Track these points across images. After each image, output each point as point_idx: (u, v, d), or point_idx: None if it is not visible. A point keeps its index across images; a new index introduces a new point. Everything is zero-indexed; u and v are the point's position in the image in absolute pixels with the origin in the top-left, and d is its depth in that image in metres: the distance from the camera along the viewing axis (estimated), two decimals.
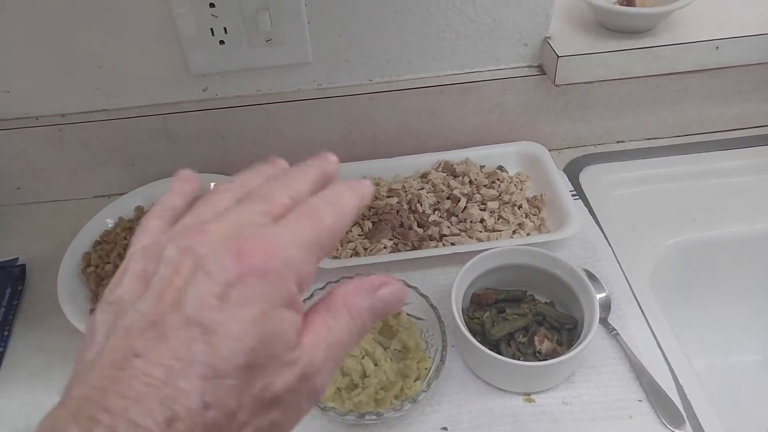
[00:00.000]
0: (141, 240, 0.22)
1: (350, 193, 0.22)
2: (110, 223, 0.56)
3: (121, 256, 0.52)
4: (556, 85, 0.56)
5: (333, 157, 0.24)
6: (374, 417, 0.39)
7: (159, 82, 0.57)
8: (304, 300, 0.43)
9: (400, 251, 0.52)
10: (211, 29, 0.52)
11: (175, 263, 0.18)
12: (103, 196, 0.62)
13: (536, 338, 0.44)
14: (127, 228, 0.55)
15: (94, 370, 0.17)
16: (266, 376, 0.17)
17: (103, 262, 0.52)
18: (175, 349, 0.17)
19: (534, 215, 0.54)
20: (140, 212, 0.57)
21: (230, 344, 0.17)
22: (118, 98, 0.57)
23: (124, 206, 0.57)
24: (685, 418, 0.41)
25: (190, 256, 0.18)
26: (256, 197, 0.21)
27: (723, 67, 0.56)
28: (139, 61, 0.54)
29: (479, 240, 0.52)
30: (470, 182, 0.57)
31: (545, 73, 0.58)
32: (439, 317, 0.44)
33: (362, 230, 0.54)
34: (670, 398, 0.42)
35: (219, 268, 0.18)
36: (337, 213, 0.21)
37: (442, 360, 0.41)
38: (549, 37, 0.56)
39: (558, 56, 0.53)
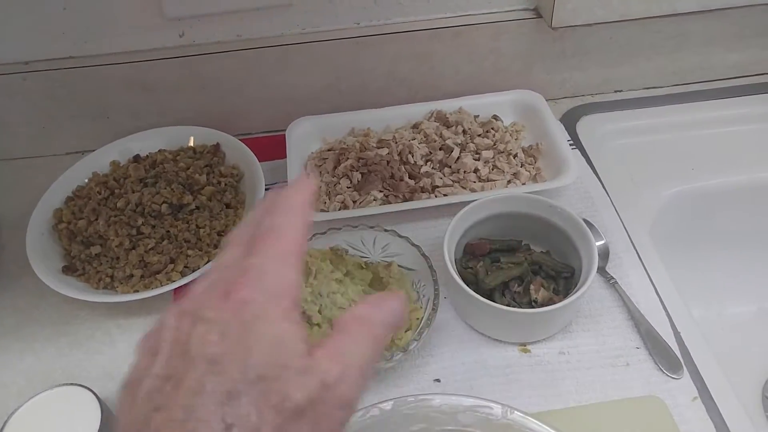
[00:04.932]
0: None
1: (294, 196, 0.23)
2: (83, 178, 0.51)
3: (95, 211, 0.48)
4: (553, 28, 0.52)
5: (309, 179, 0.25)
6: None
7: (131, 27, 0.52)
8: None
9: (390, 203, 0.49)
10: None
11: (174, 325, 0.19)
12: (77, 152, 0.58)
13: (532, 287, 0.41)
14: (102, 183, 0.51)
15: None
16: (281, 386, 0.18)
17: (76, 218, 0.48)
18: (190, 389, 0.18)
19: (530, 164, 0.51)
20: (115, 167, 0.53)
21: (237, 366, 0.18)
22: (86, 44, 0.52)
23: (99, 161, 0.53)
24: (682, 363, 0.39)
25: (185, 315, 0.19)
26: (230, 244, 0.22)
27: (727, 8, 0.52)
28: (108, 1, 0.49)
29: (473, 191, 0.49)
30: (464, 132, 0.53)
31: (541, 17, 0.54)
32: (431, 266, 0.41)
33: (351, 182, 0.50)
34: (667, 345, 0.40)
35: (214, 310, 0.19)
36: (293, 217, 0.22)
37: (434, 309, 0.39)
38: None
39: None
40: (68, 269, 0.45)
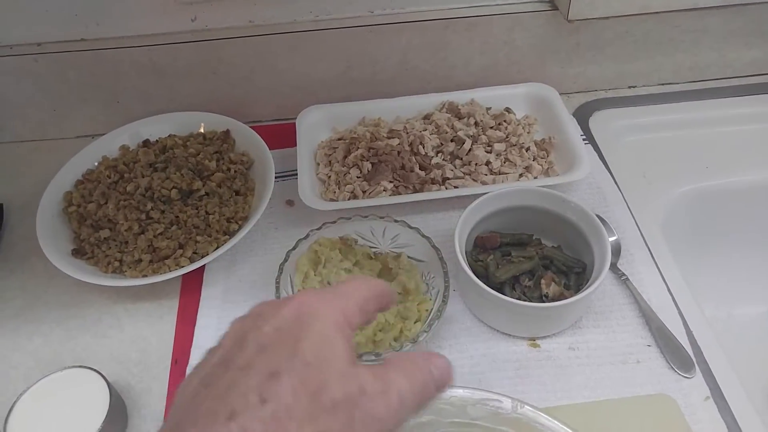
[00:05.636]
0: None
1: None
2: (93, 161, 0.51)
3: (104, 195, 0.48)
4: (569, 21, 0.51)
5: None
6: (372, 358, 0.36)
7: (143, 10, 0.51)
8: None
9: (400, 194, 0.48)
10: None
11: (236, 328, 0.21)
12: (87, 136, 0.57)
13: (543, 281, 0.40)
14: (112, 166, 0.50)
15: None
16: (323, 377, 0.18)
17: (85, 201, 0.47)
18: (237, 367, 0.19)
19: (542, 158, 0.50)
20: (125, 151, 0.52)
21: (286, 350, 0.19)
22: (98, 27, 0.51)
23: (109, 145, 0.52)
24: (694, 362, 0.38)
25: (246, 318, 0.21)
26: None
27: (746, 3, 0.51)
28: None
29: (484, 183, 0.48)
30: (476, 124, 0.52)
31: (557, 9, 0.52)
32: (441, 258, 0.40)
33: (361, 172, 0.49)
34: (679, 343, 0.39)
35: (274, 310, 0.20)
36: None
37: (444, 301, 0.38)
38: None
39: None
40: (77, 252, 0.45)
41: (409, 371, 0.20)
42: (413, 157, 0.50)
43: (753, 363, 0.45)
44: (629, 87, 0.59)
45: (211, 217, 0.46)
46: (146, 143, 0.52)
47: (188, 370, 0.39)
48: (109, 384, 0.36)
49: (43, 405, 0.35)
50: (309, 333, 0.19)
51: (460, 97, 0.54)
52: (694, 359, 0.38)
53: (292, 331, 0.19)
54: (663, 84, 0.59)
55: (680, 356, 0.39)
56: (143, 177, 0.48)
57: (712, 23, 0.54)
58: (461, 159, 0.50)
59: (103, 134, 0.52)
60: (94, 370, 0.36)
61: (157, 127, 0.53)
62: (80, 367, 0.37)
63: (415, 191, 0.48)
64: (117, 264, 0.44)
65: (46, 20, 0.50)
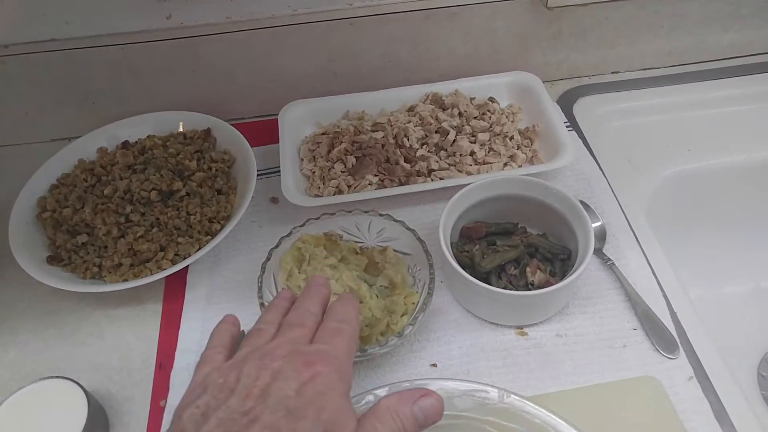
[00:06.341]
0: (206, 367, 0.27)
1: (348, 306, 0.29)
2: (69, 165, 0.50)
3: (81, 199, 0.47)
4: (549, 8, 0.51)
5: (322, 279, 0.32)
6: (359, 354, 0.36)
7: (115, 8, 0.50)
8: None
9: (386, 187, 0.48)
10: None
11: (254, 375, 0.24)
12: (62, 139, 0.56)
13: (528, 269, 0.41)
14: (88, 170, 0.49)
15: None
16: None
17: (61, 206, 0.47)
18: (266, 424, 0.22)
19: (526, 147, 0.51)
20: (103, 153, 0.51)
21: (311, 418, 0.23)
22: (68, 26, 0.50)
23: (85, 148, 0.51)
24: (678, 344, 0.39)
25: (266, 369, 0.24)
26: (293, 326, 0.28)
27: None
28: None
29: (469, 174, 0.48)
30: (459, 114, 0.52)
31: None
32: (426, 250, 0.40)
33: (345, 166, 0.49)
34: (664, 325, 0.40)
35: (294, 372, 0.24)
36: (351, 325, 0.28)
37: (429, 293, 0.38)
38: None
39: None
40: (53, 259, 0.44)
41: (392, 425, 0.25)
42: (398, 150, 0.50)
43: (739, 341, 0.46)
44: (612, 73, 0.60)
45: (192, 217, 0.45)
46: (125, 145, 0.52)
47: (172, 375, 0.39)
48: (87, 393, 0.35)
49: (18, 418, 0.34)
50: (329, 403, 0.23)
51: (443, 87, 0.55)
52: (678, 340, 0.39)
53: (315, 400, 0.23)
54: (645, 69, 0.60)
55: (664, 338, 0.39)
56: (121, 179, 0.48)
57: (689, 8, 0.55)
58: (446, 150, 0.50)
59: (79, 137, 0.52)
60: (71, 380, 0.36)
61: (135, 128, 0.53)
62: (56, 377, 0.36)
63: (401, 184, 0.48)
64: (96, 269, 0.43)
65: (12, 20, 0.49)
